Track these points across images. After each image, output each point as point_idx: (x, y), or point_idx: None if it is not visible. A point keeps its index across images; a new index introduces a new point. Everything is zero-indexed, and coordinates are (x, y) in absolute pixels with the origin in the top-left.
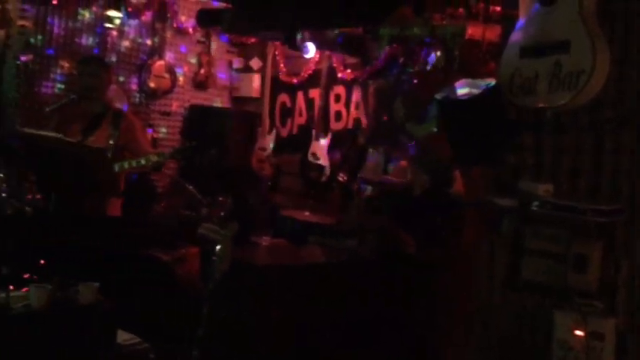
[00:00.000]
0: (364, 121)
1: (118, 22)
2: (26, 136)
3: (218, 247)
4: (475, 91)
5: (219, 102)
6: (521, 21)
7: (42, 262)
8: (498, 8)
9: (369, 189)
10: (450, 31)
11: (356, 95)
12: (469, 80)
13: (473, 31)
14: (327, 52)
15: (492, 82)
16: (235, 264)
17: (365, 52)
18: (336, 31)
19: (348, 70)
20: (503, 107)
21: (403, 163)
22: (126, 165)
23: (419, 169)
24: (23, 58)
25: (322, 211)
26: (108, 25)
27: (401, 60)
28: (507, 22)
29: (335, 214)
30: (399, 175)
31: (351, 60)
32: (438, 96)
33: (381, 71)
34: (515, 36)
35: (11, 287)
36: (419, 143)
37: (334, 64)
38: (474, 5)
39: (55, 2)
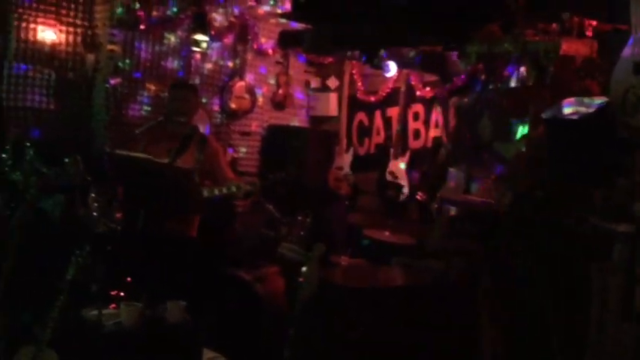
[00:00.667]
0: (444, 139)
1: (204, 45)
2: (117, 157)
3: (304, 269)
4: (583, 109)
5: (297, 121)
6: (634, 36)
7: (129, 279)
8: (594, 22)
9: (451, 209)
10: (543, 47)
11: (435, 113)
12: (576, 99)
13: (567, 46)
14: (406, 70)
15: (603, 100)
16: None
17: (444, 69)
18: (413, 53)
19: (427, 88)
20: (615, 126)
21: (488, 182)
22: (216, 192)
23: (507, 189)
24: (112, 82)
25: (402, 231)
26: (194, 48)
27: (483, 77)
28: (604, 36)
29: (414, 234)
30: (483, 195)
31: (430, 78)
32: (544, 115)
33: (462, 89)
34: (628, 51)
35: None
36: (507, 162)
37: (412, 82)
38: (568, 20)
39: (142, 27)
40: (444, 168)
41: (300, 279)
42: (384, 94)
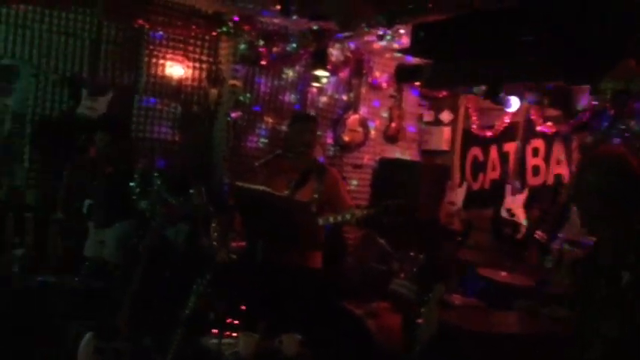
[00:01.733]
0: (566, 177)
1: (324, 80)
2: (237, 188)
3: (423, 310)
4: None
5: (408, 155)
6: None
7: (243, 307)
8: None
9: (573, 251)
10: None
11: (557, 150)
12: None
13: None
14: (525, 104)
15: None
16: None
17: (568, 104)
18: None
19: (549, 123)
20: None
21: None
22: (331, 219)
23: None
24: (233, 115)
25: (519, 271)
26: (315, 84)
27: (611, 112)
28: None
29: (533, 276)
30: None
31: (552, 112)
32: None
33: (587, 125)
34: None
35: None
36: None
37: (532, 117)
38: None
39: (263, 63)
40: (566, 207)
41: (419, 320)
42: (500, 129)
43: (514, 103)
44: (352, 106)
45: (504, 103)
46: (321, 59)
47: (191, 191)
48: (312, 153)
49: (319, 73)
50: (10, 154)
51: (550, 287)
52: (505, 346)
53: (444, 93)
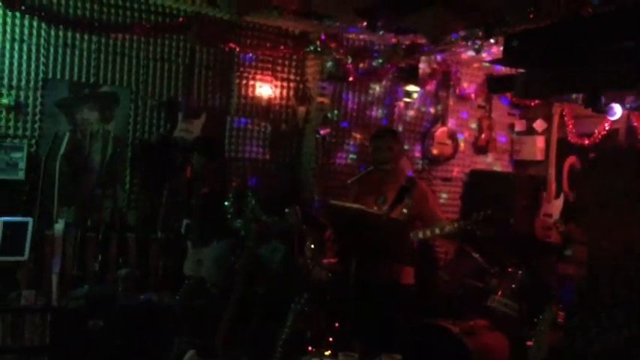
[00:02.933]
0: None
1: (415, 96)
2: (332, 207)
3: (536, 333)
4: None
5: (499, 166)
6: None
7: (337, 324)
8: None
9: None
10: None
11: None
12: None
13: None
14: (625, 111)
15: None
16: None
17: None
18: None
19: None
20: None
21: None
22: (420, 235)
23: None
24: (322, 132)
25: None
26: (406, 99)
27: None
28: None
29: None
30: None
31: None
32: None
33: None
34: None
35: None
36: None
37: (635, 123)
38: None
39: (351, 79)
40: None
41: (529, 342)
42: (599, 137)
43: (617, 111)
44: (440, 118)
45: (607, 112)
46: (412, 74)
47: (287, 210)
48: (397, 168)
49: (410, 88)
50: (112, 177)
51: None
52: None
53: (537, 101)
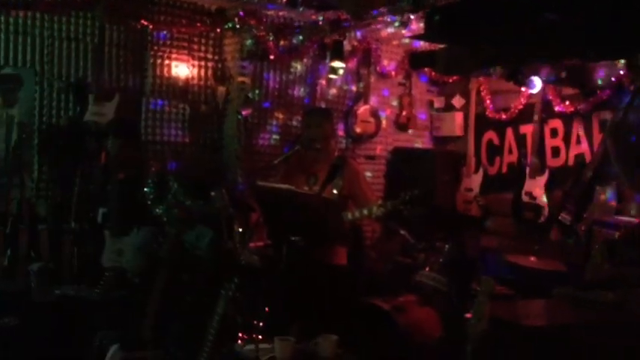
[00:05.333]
0: (588, 156)
1: (341, 72)
2: (259, 188)
3: (475, 305)
4: None
5: (420, 143)
6: None
7: (267, 309)
8: None
9: (606, 232)
10: None
11: (576, 129)
12: None
13: None
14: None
15: None
16: None
17: (584, 82)
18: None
19: (567, 102)
20: None
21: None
22: (349, 216)
23: None
24: (244, 113)
25: (548, 256)
26: (332, 76)
27: (631, 88)
28: None
29: (563, 260)
30: (634, 214)
31: (569, 91)
32: None
33: (607, 102)
34: None
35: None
36: None
37: (549, 97)
38: None
39: (271, 58)
40: (589, 187)
41: (468, 315)
42: (516, 111)
43: (537, 84)
44: (362, 96)
45: (528, 84)
46: (337, 50)
47: (212, 193)
48: (328, 147)
49: (336, 64)
50: (18, 165)
51: (585, 271)
52: (563, 338)
53: (454, 78)
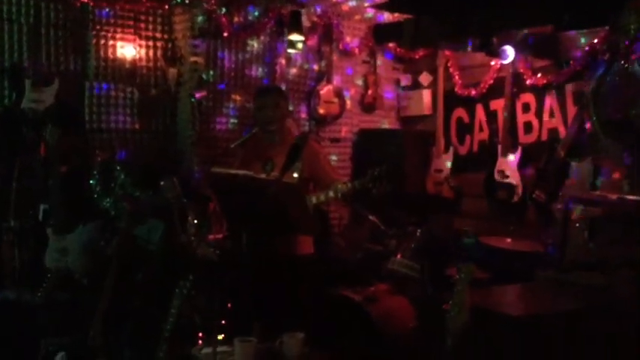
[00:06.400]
0: (562, 130)
1: (300, 46)
2: (214, 175)
3: (454, 295)
4: None
5: (388, 123)
6: None
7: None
8: None
9: (581, 209)
10: None
11: (549, 102)
12: None
13: None
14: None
15: None
16: None
17: (557, 52)
18: (525, 32)
19: (539, 75)
20: None
21: (616, 175)
22: (314, 199)
23: None
24: (198, 95)
25: (523, 237)
26: (291, 50)
27: (606, 57)
28: None
29: (539, 240)
30: (612, 190)
31: (541, 63)
32: None
33: (580, 73)
34: None
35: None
36: None
37: (520, 70)
38: None
39: (225, 35)
40: (564, 163)
41: (446, 305)
42: (487, 86)
43: (510, 53)
44: (325, 76)
45: (500, 55)
46: (294, 22)
47: (162, 183)
48: (283, 129)
49: (294, 37)
50: None
51: (565, 252)
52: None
53: (421, 53)
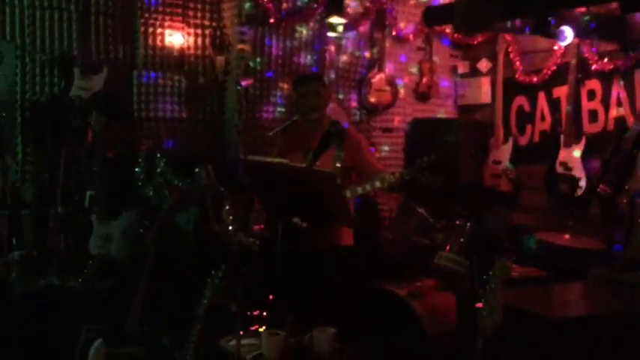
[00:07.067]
0: (630, 119)
1: (340, 29)
2: (250, 164)
3: (487, 293)
4: None
5: (444, 113)
6: None
7: (270, 298)
8: None
9: None
10: None
11: (616, 89)
12: None
13: None
14: (576, 41)
15: None
16: None
17: (624, 36)
18: (587, 17)
19: (605, 60)
20: None
21: None
22: (359, 190)
23: None
24: (244, 83)
25: (585, 233)
26: (330, 34)
27: None
28: None
29: (602, 237)
30: None
31: (607, 47)
32: None
33: None
34: None
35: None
36: None
37: (586, 55)
38: None
39: (272, 21)
40: (631, 154)
41: (479, 304)
42: (549, 72)
43: (568, 35)
44: (377, 63)
45: (558, 36)
46: (336, 4)
47: (196, 170)
48: (324, 117)
49: (334, 20)
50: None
51: (626, 249)
52: (591, 329)
53: (480, 39)
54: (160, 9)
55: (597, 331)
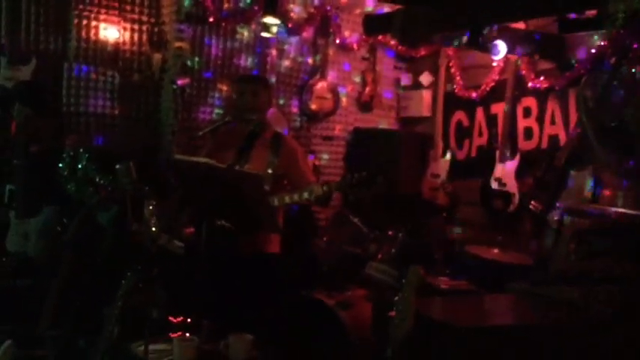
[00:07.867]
0: (563, 137)
1: (274, 30)
2: (178, 163)
3: (397, 299)
4: None
5: (385, 123)
6: None
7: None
8: None
9: (577, 221)
10: None
11: (551, 107)
12: None
13: None
14: (514, 58)
15: None
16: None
17: (561, 55)
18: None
19: (542, 78)
20: None
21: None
22: (287, 199)
23: None
24: (180, 82)
25: (514, 248)
26: (264, 34)
27: (612, 61)
28: None
29: (530, 252)
30: (611, 202)
31: (545, 65)
32: None
33: (584, 76)
34: None
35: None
36: None
37: (523, 72)
38: None
39: (211, 20)
40: (563, 172)
41: (392, 312)
42: (487, 88)
43: (502, 48)
44: (319, 70)
45: (491, 50)
46: (271, 4)
47: (117, 167)
48: (262, 119)
49: (269, 20)
50: None
51: (552, 265)
52: (500, 339)
53: (423, 52)
54: (96, 1)
55: (504, 342)
